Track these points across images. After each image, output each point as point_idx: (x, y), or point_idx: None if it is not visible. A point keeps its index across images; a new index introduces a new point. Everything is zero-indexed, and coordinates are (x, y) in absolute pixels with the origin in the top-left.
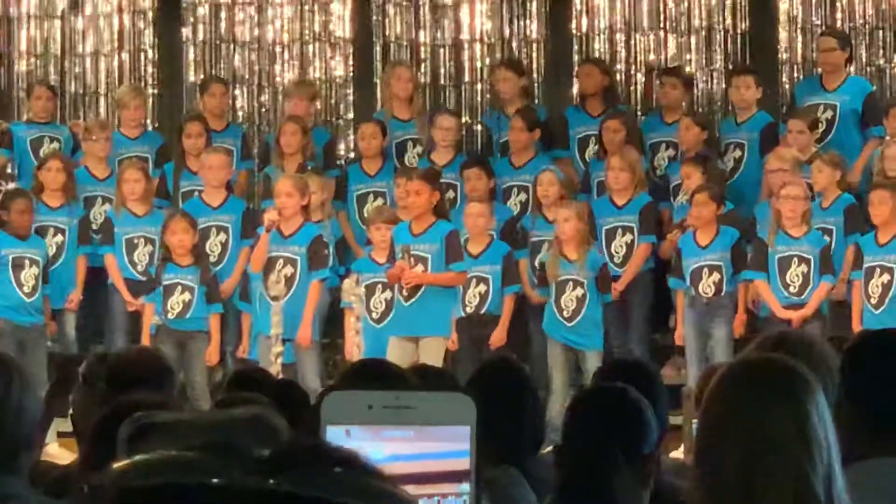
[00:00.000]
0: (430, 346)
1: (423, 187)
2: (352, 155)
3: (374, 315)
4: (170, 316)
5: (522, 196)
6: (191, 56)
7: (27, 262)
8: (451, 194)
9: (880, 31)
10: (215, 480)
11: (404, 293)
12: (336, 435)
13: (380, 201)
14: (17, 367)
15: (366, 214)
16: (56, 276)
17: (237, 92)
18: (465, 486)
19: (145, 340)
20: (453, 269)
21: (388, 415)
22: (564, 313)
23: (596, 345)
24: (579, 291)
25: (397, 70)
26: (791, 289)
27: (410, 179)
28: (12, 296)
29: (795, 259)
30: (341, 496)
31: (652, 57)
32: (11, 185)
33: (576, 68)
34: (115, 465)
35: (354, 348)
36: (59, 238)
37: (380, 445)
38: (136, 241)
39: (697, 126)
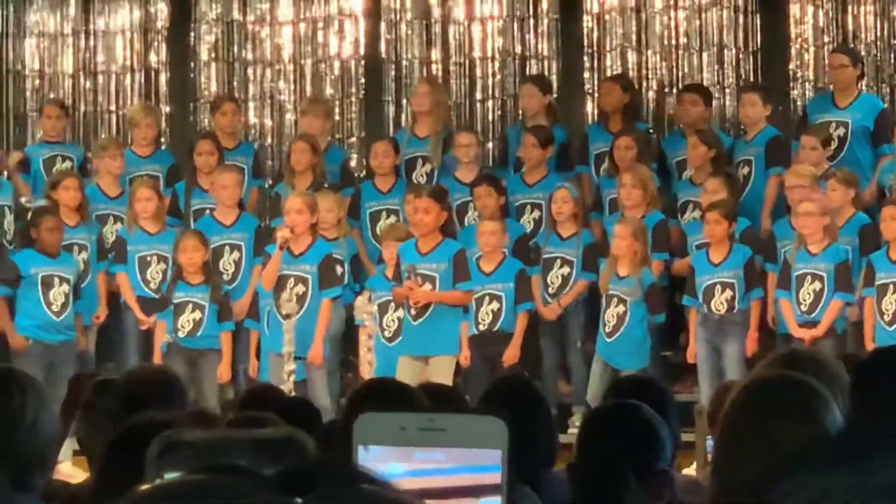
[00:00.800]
0: (439, 365)
1: (431, 205)
2: (363, 173)
3: (386, 333)
4: (180, 334)
5: (536, 213)
6: (203, 74)
7: (57, 280)
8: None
9: (892, 49)
10: (244, 502)
11: (413, 312)
12: (368, 456)
13: (393, 218)
14: (32, 384)
15: (378, 232)
16: (84, 294)
17: (249, 110)
18: (491, 502)
19: (156, 359)
20: (460, 288)
21: (420, 437)
22: (606, 328)
23: (632, 365)
24: (621, 308)
25: (418, 85)
26: (803, 307)
27: (419, 197)
28: (40, 314)
29: (809, 277)
30: None
31: (663, 74)
32: (41, 201)
33: (586, 85)
34: (140, 488)
35: (366, 366)
36: (84, 255)
37: (411, 466)
38: (148, 258)
39: (704, 145)
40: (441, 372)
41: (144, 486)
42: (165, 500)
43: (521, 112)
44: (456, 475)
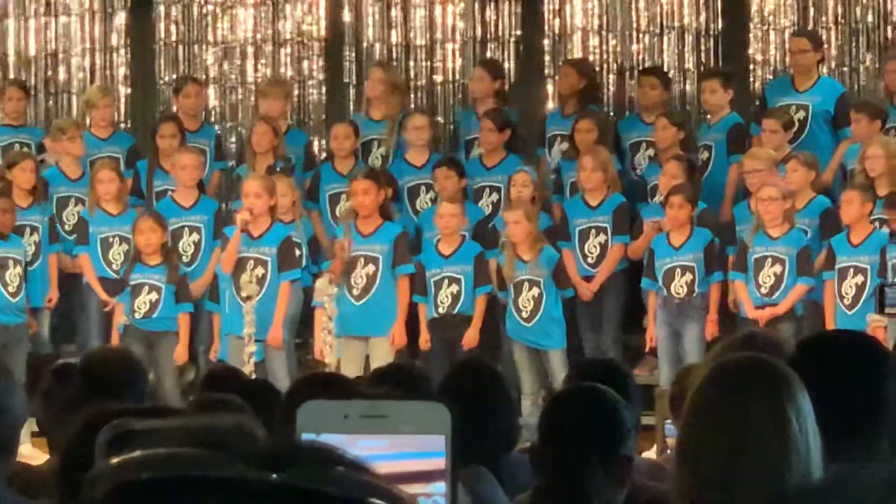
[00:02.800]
0: (378, 346)
1: (369, 186)
2: (323, 155)
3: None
4: (137, 316)
5: (494, 196)
6: (163, 56)
7: (11, 262)
8: (431, 195)
9: (853, 33)
10: (221, 474)
11: (354, 293)
12: None
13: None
14: (1, 369)
15: (338, 213)
16: (33, 276)
17: (210, 92)
18: (440, 487)
19: (114, 340)
20: (400, 272)
21: (363, 424)
22: (523, 314)
23: (557, 343)
24: (535, 291)
25: (372, 70)
26: (763, 290)
27: (356, 179)
28: None
29: (769, 259)
30: (348, 490)
31: (624, 57)
32: None
33: (547, 69)
34: (114, 461)
35: (326, 347)
36: (35, 237)
37: (356, 454)
38: (111, 240)
39: (673, 126)
40: (381, 352)
41: (116, 460)
42: (140, 470)
43: (470, 96)
44: (400, 461)
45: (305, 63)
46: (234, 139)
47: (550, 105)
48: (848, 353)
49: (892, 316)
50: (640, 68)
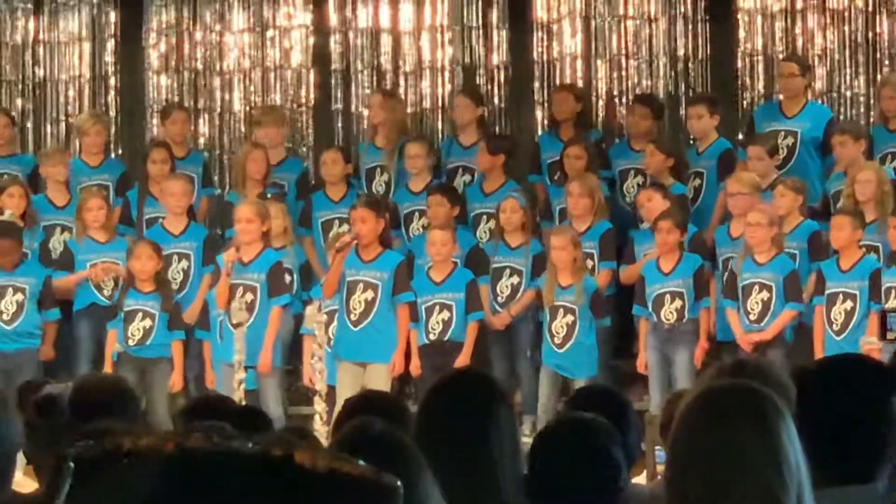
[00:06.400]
0: (376, 372)
1: (367, 215)
2: (312, 182)
3: (332, 342)
4: (130, 343)
5: (492, 223)
6: (153, 82)
7: (10, 290)
8: (424, 221)
9: (841, 59)
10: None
11: (352, 318)
12: None
13: (345, 227)
14: None
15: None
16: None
17: (199, 119)
18: None
19: (108, 368)
20: (401, 300)
21: None
22: (555, 339)
23: (586, 372)
24: (570, 318)
25: (372, 97)
26: (751, 316)
27: (354, 208)
28: None
29: (756, 286)
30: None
31: (613, 83)
32: None
33: (536, 95)
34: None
35: (316, 374)
36: None
37: None
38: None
39: (662, 153)
40: (378, 379)
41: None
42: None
43: (453, 123)
44: None
45: (293, 90)
46: (217, 167)
47: (540, 132)
48: (860, 375)
49: (893, 342)
50: (629, 94)
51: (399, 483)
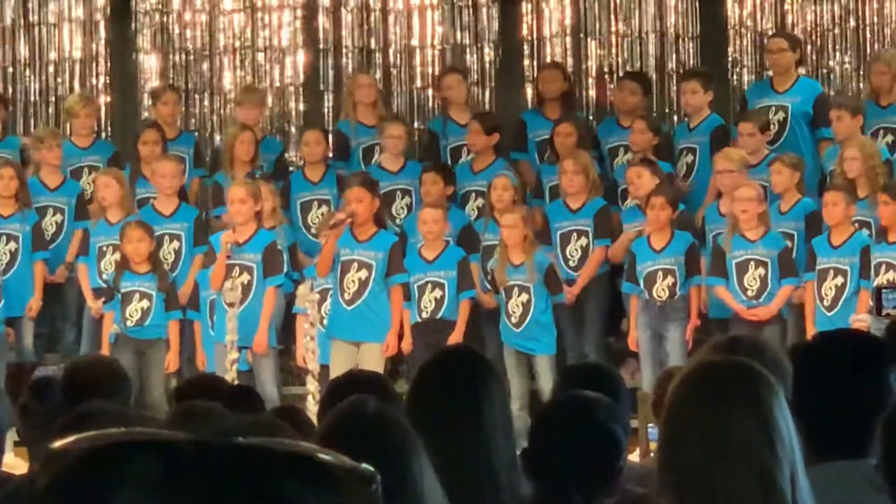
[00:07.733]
0: (369, 352)
1: (363, 194)
2: (301, 163)
3: (325, 321)
4: (128, 324)
5: (480, 201)
6: (143, 64)
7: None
8: (406, 200)
9: (829, 34)
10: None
11: (346, 297)
12: None
13: (324, 209)
14: None
15: (310, 222)
16: (12, 284)
17: (189, 100)
18: None
19: (105, 350)
20: (394, 281)
21: None
22: (512, 319)
23: (546, 349)
24: (525, 297)
25: (359, 79)
26: (749, 293)
27: (349, 187)
28: None
29: (752, 263)
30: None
31: (603, 61)
32: None
33: (526, 73)
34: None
35: (309, 354)
36: (13, 245)
37: None
38: (104, 249)
39: (650, 131)
40: (371, 359)
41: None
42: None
43: (441, 102)
44: None
45: (282, 70)
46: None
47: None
48: (855, 349)
49: (888, 317)
50: (619, 71)
51: (376, 472)
